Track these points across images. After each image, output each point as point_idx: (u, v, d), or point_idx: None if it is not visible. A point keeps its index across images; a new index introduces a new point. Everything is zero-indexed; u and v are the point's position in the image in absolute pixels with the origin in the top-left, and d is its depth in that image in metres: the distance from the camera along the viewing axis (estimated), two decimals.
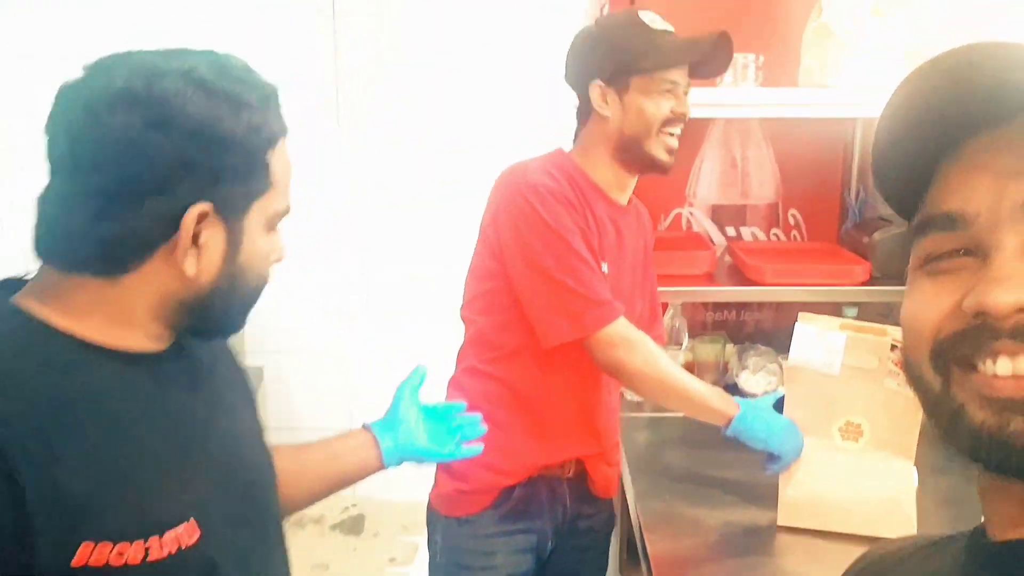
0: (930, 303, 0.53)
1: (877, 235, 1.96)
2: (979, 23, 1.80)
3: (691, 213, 2.37)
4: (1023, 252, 0.49)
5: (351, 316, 3.12)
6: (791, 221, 2.40)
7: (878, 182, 0.59)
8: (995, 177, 0.51)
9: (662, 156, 1.45)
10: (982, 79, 0.51)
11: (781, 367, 2.07)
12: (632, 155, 1.47)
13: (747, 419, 1.42)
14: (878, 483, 1.40)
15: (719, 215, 2.39)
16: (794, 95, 1.84)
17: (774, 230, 2.41)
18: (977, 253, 0.51)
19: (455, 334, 1.58)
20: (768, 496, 1.47)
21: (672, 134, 1.45)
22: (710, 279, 2.04)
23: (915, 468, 1.39)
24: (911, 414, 1.38)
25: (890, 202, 0.60)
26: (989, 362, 0.49)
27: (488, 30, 2.91)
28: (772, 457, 1.44)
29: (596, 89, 1.45)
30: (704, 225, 2.39)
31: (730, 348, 2.18)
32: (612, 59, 1.43)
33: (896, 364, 1.40)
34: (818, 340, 1.43)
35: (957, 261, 0.52)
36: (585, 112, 1.50)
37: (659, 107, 1.43)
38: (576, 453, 1.52)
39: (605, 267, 1.45)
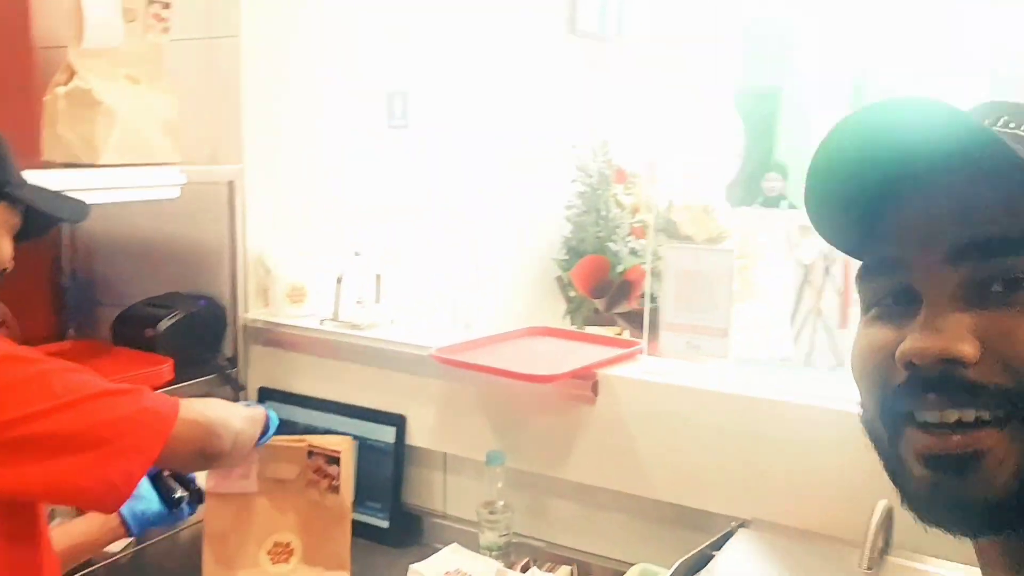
0: (871, 354, 0.54)
1: (162, 325, 1.76)
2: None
3: None
4: (952, 300, 0.50)
5: None
6: None
7: (817, 228, 0.59)
8: (929, 224, 0.52)
9: None
10: (918, 130, 0.51)
11: None
12: None
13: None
14: None
15: None
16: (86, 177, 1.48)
17: None
18: (915, 300, 0.52)
19: None
20: None
21: None
22: None
23: None
24: (339, 523, 1.35)
25: (832, 243, 0.60)
26: (923, 412, 0.51)
27: None
28: None
29: None
30: None
31: None
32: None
33: (315, 472, 1.35)
34: None
35: (898, 308, 0.54)
36: None
37: (9, 247, 1.07)
38: None
39: None
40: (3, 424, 0.88)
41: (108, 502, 0.96)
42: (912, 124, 0.50)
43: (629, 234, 2.70)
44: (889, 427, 0.54)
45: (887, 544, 1.11)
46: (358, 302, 1.77)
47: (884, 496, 1.08)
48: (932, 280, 0.51)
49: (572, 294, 2.80)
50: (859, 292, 0.57)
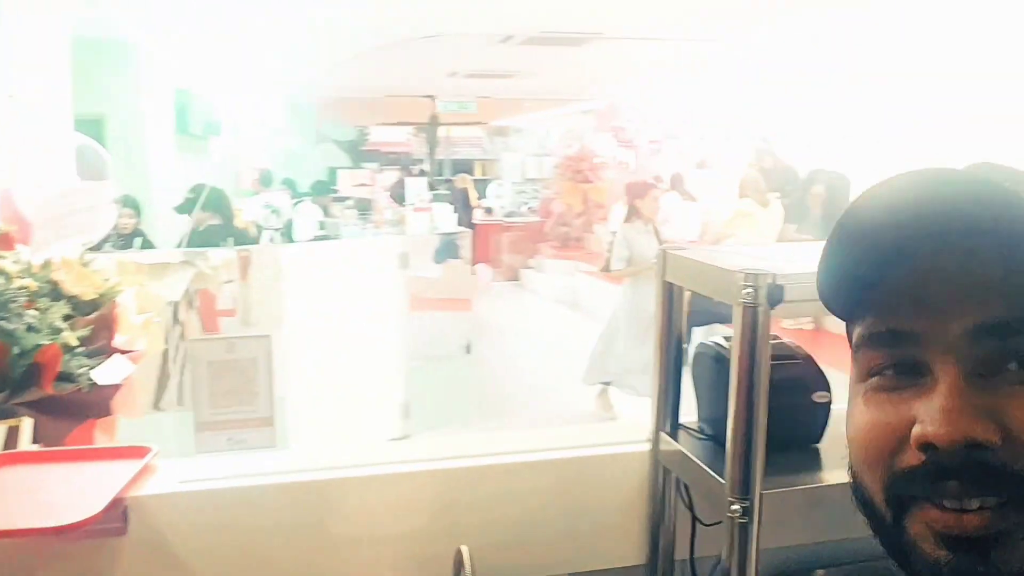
0: (875, 433, 0.53)
1: None
2: None
3: None
4: (968, 378, 0.49)
5: None
6: None
7: (822, 290, 0.57)
8: (945, 299, 0.50)
9: None
10: (941, 200, 0.50)
11: None
12: None
13: None
14: None
15: None
16: None
17: None
18: (922, 373, 0.51)
19: None
20: None
21: None
22: None
23: None
24: None
25: (832, 309, 0.58)
26: (941, 498, 0.50)
27: None
28: None
29: None
30: None
31: None
32: None
33: None
34: None
35: (901, 380, 0.52)
36: None
37: None
38: None
39: None
40: None
41: None
42: (950, 190, 0.50)
43: (24, 307, 2.27)
44: (894, 507, 0.52)
45: None
46: None
47: (461, 542, 1.18)
48: (948, 357, 0.49)
49: None
50: (856, 359, 0.55)
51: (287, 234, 8.32)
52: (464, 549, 1.18)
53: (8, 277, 2.35)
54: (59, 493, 1.20)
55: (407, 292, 4.77)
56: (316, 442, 3.93)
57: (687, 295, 1.23)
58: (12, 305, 2.26)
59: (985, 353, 0.49)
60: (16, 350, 2.22)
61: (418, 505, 1.27)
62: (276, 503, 1.25)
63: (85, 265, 2.78)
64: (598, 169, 11.44)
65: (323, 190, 9.76)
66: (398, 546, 1.26)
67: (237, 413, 1.23)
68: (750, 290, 0.96)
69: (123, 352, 2.56)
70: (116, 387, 2.40)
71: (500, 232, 11.40)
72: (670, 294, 1.20)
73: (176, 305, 5.35)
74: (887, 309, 0.53)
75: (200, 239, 5.12)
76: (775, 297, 0.96)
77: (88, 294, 2.67)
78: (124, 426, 2.16)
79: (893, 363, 0.52)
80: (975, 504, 0.49)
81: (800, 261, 1.15)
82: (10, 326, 2.22)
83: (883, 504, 0.53)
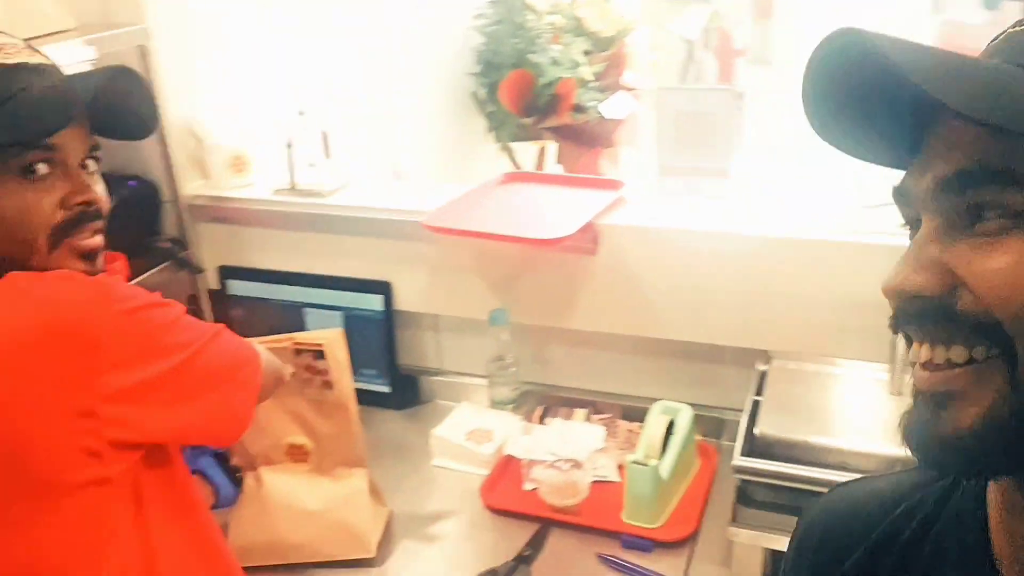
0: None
1: None
2: None
3: None
4: (935, 233, 0.49)
5: None
6: None
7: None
8: (928, 155, 0.51)
9: (79, 267, 0.89)
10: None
11: None
12: None
13: None
14: (330, 505, 1.28)
15: None
16: None
17: None
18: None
19: None
20: None
21: (86, 232, 0.89)
22: None
23: (367, 475, 1.31)
24: (344, 420, 1.27)
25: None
26: (914, 346, 0.50)
27: None
28: None
29: None
30: None
31: None
32: None
33: (306, 371, 1.27)
34: None
35: (913, 233, 0.53)
36: None
37: (39, 208, 0.84)
38: None
39: None
40: (145, 371, 0.85)
41: (236, 433, 0.97)
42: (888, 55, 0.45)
43: (550, 42, 2.57)
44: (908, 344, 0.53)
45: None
46: (311, 165, 1.64)
47: None
48: (925, 212, 0.50)
49: (491, 110, 2.69)
50: None
51: None
52: None
53: (537, 14, 2.66)
54: (546, 211, 1.44)
55: None
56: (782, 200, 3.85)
57: None
58: (539, 40, 2.57)
59: (949, 207, 0.48)
60: (542, 80, 2.56)
61: (868, 278, 1.24)
62: (727, 250, 1.33)
63: (607, 1, 2.98)
64: None
65: None
66: (837, 311, 1.27)
67: (697, 162, 1.30)
68: None
69: (628, 89, 2.77)
70: (619, 121, 2.65)
71: None
72: None
73: (691, 44, 5.46)
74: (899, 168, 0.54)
75: None
76: None
77: (606, 31, 2.89)
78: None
79: (908, 219, 0.54)
80: (925, 356, 0.49)
81: None
82: (538, 59, 2.55)
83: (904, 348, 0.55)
